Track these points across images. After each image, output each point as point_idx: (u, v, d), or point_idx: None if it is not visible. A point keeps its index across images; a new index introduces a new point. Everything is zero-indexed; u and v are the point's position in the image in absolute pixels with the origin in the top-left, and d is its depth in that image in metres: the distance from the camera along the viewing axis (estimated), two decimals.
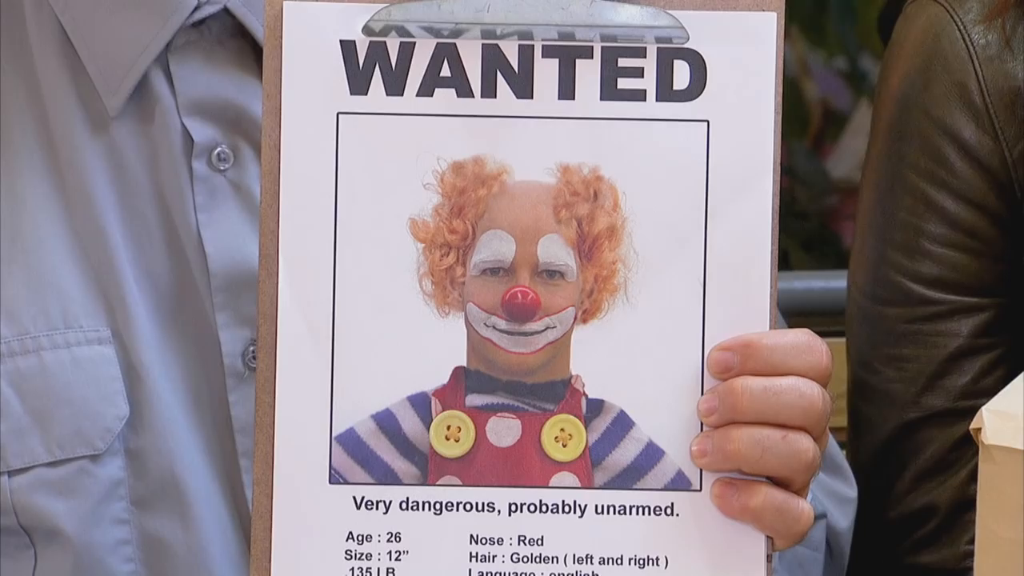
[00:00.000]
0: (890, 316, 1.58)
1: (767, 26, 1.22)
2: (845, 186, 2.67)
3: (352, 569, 1.20)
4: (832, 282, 1.89)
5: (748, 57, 1.23)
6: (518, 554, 1.20)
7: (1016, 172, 1.55)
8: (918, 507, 1.56)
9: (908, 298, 1.57)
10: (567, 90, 1.22)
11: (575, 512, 1.20)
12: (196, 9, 1.36)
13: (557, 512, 1.21)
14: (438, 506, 1.20)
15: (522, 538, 1.20)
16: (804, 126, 2.78)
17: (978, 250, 1.55)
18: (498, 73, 1.22)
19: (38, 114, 1.41)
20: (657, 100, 1.22)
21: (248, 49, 1.39)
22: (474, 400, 1.19)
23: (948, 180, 1.56)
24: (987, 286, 1.55)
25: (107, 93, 1.36)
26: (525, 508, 1.21)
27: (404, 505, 1.20)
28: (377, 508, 1.21)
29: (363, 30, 1.20)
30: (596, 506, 1.20)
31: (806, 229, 1.98)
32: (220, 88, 1.39)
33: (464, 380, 1.20)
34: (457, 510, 1.20)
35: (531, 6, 1.23)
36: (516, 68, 1.22)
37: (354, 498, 1.20)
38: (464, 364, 1.20)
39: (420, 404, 1.19)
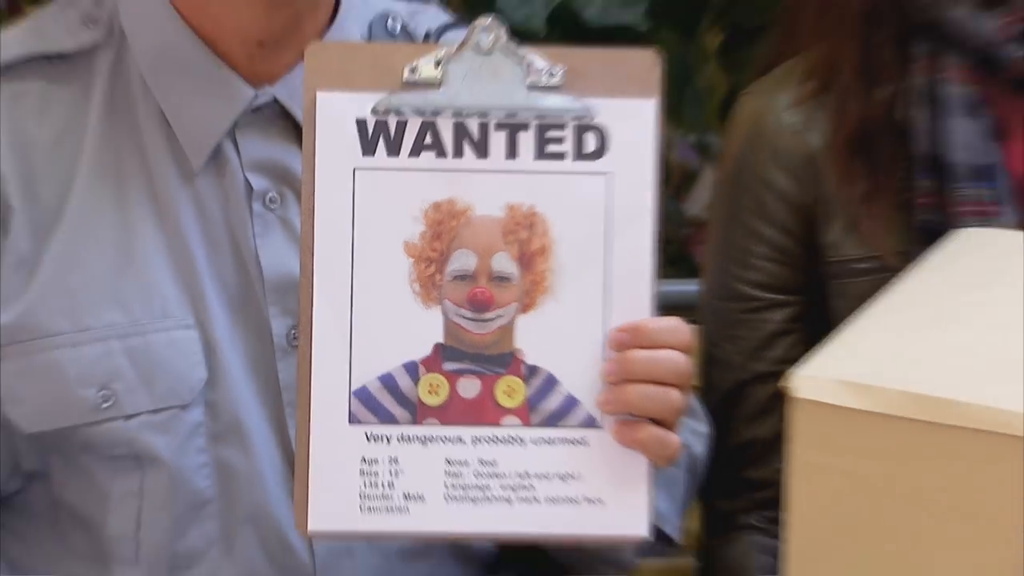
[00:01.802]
0: (728, 309, 1.83)
1: (648, 109, 1.46)
2: (696, 221, 2.97)
3: (364, 483, 1.44)
4: (689, 287, 2.06)
5: (635, 130, 1.48)
6: (479, 472, 1.45)
7: (814, 208, 1.79)
8: (747, 439, 1.80)
9: (740, 296, 1.82)
10: (512, 152, 1.46)
11: (518, 443, 1.46)
12: (254, 99, 1.59)
13: (506, 443, 1.46)
14: (423, 439, 1.44)
15: (481, 460, 1.45)
16: (668, 179, 3.05)
17: (788, 263, 1.78)
18: (464, 141, 1.46)
19: (145, 170, 1.61)
20: (573, 160, 1.47)
21: (291, 125, 1.60)
22: (448, 366, 1.44)
23: (768, 216, 1.80)
24: (793, 288, 1.79)
25: (193, 156, 1.58)
26: (484, 440, 1.46)
27: (400, 439, 1.45)
28: (381, 441, 1.45)
29: (371, 112, 1.43)
30: (532, 439, 1.46)
31: (669, 251, 2.17)
32: (271, 152, 1.60)
33: (442, 352, 1.45)
34: (436, 442, 1.45)
35: (487, 95, 1.46)
36: (476, 137, 1.45)
37: (365, 434, 1.44)
38: (442, 341, 1.44)
39: (411, 369, 1.44)
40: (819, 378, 1.43)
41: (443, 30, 1.72)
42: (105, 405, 1.55)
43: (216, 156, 1.55)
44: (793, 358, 1.51)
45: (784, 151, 1.80)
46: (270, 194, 1.56)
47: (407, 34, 1.72)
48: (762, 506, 1.79)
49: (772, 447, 1.73)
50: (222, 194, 1.54)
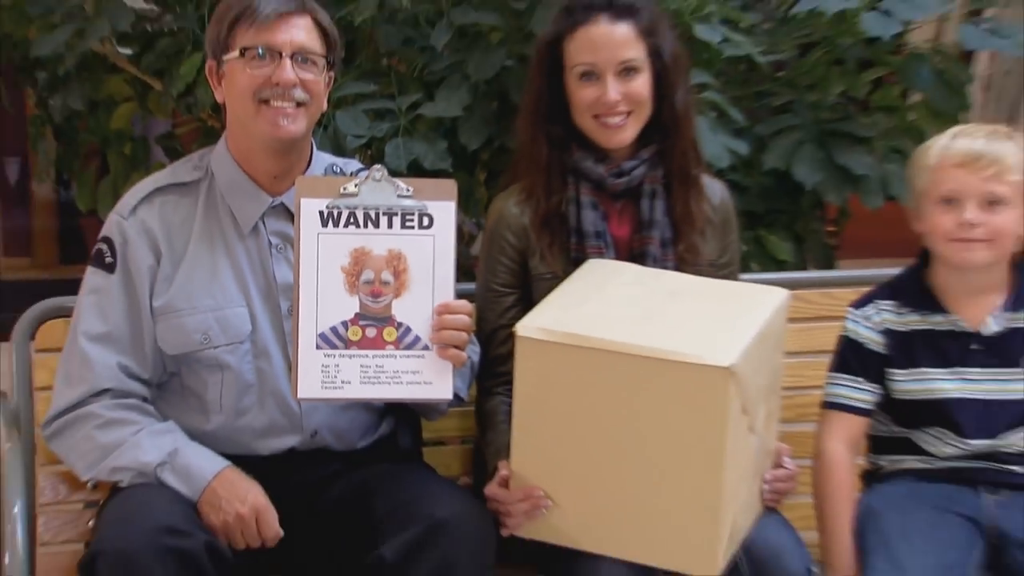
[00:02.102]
0: (487, 296, 2.39)
1: (452, 207, 2.10)
2: (474, 258, 2.92)
3: (323, 375, 2.07)
4: (469, 286, 2.41)
5: (445, 216, 2.11)
6: (375, 370, 2.10)
7: (525, 250, 2.34)
8: (496, 354, 2.37)
9: (492, 290, 2.38)
10: (390, 225, 2.09)
11: (393, 358, 2.10)
12: (272, 202, 2.24)
13: (387, 357, 2.09)
14: (350, 356, 2.09)
15: (376, 365, 2.11)
16: (461, 238, 3.18)
17: (513, 274, 2.37)
18: (368, 221, 2.09)
19: (222, 235, 2.26)
20: (417, 229, 2.10)
21: (289, 214, 2.23)
22: (362, 322, 2.10)
23: (504, 253, 2.37)
24: (515, 286, 2.37)
25: (245, 227, 2.26)
26: (378, 356, 2.09)
27: (339, 355, 2.09)
28: (331, 356, 2.09)
29: (326, 207, 2.08)
30: (400, 355, 2.11)
31: (464, 267, 2.41)
32: (280, 227, 2.26)
33: (358, 317, 2.11)
34: (356, 357, 2.09)
35: (378, 200, 2.09)
36: (373, 219, 2.08)
37: (323, 354, 2.09)
38: (358, 311, 2.10)
39: (344, 324, 2.09)
40: (529, 326, 2.11)
41: (359, 171, 2.32)
42: (204, 341, 2.23)
43: (255, 228, 2.25)
44: (516, 316, 2.21)
45: (511, 224, 2.36)
46: (279, 245, 2.25)
47: (343, 172, 2.34)
48: (504, 383, 2.30)
49: (508, 357, 2.17)
50: (257, 246, 2.25)
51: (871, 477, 2.44)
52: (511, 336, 2.13)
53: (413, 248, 2.08)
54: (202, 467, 2.12)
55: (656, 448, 2.04)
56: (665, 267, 2.33)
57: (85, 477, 2.19)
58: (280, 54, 2.16)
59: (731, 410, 2.03)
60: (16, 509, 2.17)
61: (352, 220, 2.07)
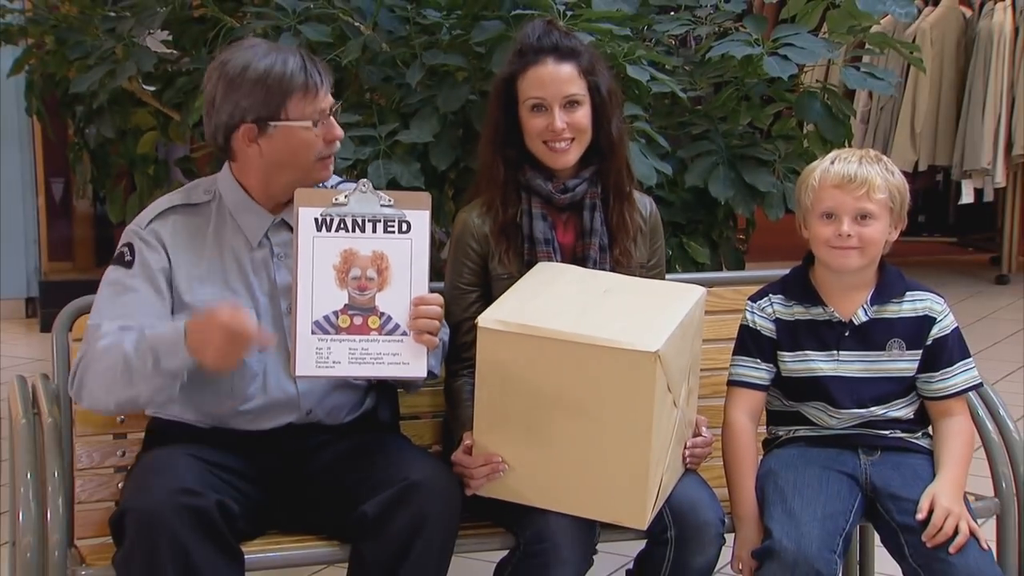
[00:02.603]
0: (453, 293, 2.38)
1: (426, 215, 2.12)
2: (443, 261, 2.72)
3: (316, 357, 2.08)
4: (440, 284, 2.38)
5: (421, 223, 2.11)
6: (362, 352, 2.10)
7: (485, 255, 2.36)
8: (462, 341, 2.35)
9: (458, 288, 2.38)
10: (374, 230, 2.10)
11: (376, 342, 2.10)
12: (274, 219, 2.23)
13: (372, 341, 2.10)
14: (340, 340, 2.09)
15: (362, 348, 2.10)
16: (434, 243, 2.76)
17: (476, 275, 2.38)
18: (355, 226, 2.09)
19: (231, 248, 2.25)
20: (397, 234, 2.11)
21: (289, 228, 2.21)
22: (350, 311, 2.10)
23: (468, 256, 2.38)
24: (478, 285, 2.37)
25: (252, 239, 2.25)
26: (363, 340, 2.10)
27: (331, 339, 2.09)
28: (324, 341, 2.09)
29: (320, 215, 2.09)
30: (382, 340, 2.11)
31: (436, 269, 2.28)
32: (281, 239, 2.25)
33: (347, 307, 2.11)
34: (345, 341, 2.10)
35: (364, 209, 2.10)
36: (360, 225, 2.10)
37: (317, 338, 2.09)
38: (347, 302, 2.10)
39: (335, 313, 2.09)
40: (488, 319, 2.13)
41: (341, 182, 2.34)
42: None
43: (261, 241, 2.25)
44: (478, 310, 2.24)
45: (474, 232, 2.38)
46: (280, 254, 2.25)
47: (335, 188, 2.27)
48: (468, 367, 2.29)
49: (471, 345, 2.21)
50: (263, 255, 2.26)
51: (770, 444, 2.46)
52: (474, 327, 2.15)
53: (394, 250, 2.10)
54: (171, 335, 2.07)
55: (595, 420, 2.05)
56: (603, 269, 2.35)
57: (111, 408, 2.17)
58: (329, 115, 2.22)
59: (657, 388, 2.04)
60: (56, 473, 2.17)
61: (342, 226, 2.09)
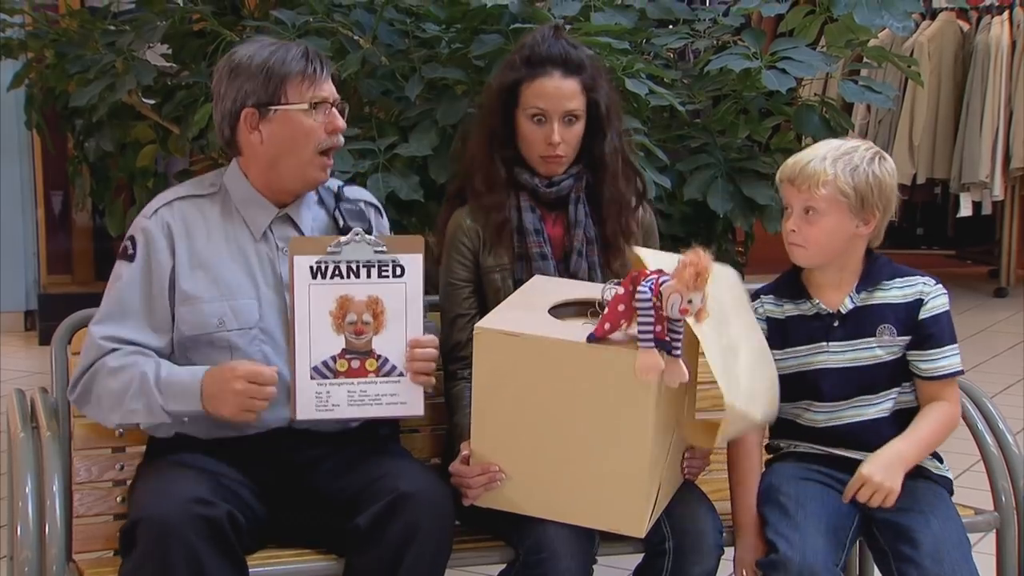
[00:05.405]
0: (448, 290, 2.42)
1: (419, 258, 2.15)
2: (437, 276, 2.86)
3: (316, 400, 2.10)
4: (433, 298, 2.44)
5: (415, 267, 2.14)
6: (360, 394, 2.13)
7: (478, 251, 2.39)
8: (457, 340, 2.38)
9: (452, 285, 2.42)
10: (368, 275, 2.12)
11: (374, 384, 2.13)
12: (278, 212, 2.24)
13: (370, 383, 2.13)
14: (339, 383, 2.11)
15: (361, 390, 2.13)
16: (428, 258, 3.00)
17: (469, 271, 2.41)
18: (350, 272, 2.12)
19: (236, 239, 2.25)
20: (392, 278, 2.13)
21: (292, 222, 2.24)
22: (347, 356, 2.12)
23: (461, 254, 2.41)
24: (471, 280, 2.41)
25: (256, 233, 2.25)
26: (361, 383, 2.13)
27: (330, 383, 2.12)
28: (323, 385, 2.12)
29: (315, 263, 2.10)
30: (379, 382, 2.14)
31: (429, 280, 2.28)
32: (285, 232, 2.25)
33: (344, 351, 2.13)
34: (344, 385, 2.12)
35: (358, 256, 2.12)
36: (355, 271, 2.11)
37: (316, 383, 2.11)
38: (344, 347, 2.13)
39: (333, 358, 2.12)
40: (484, 328, 2.11)
41: (343, 185, 2.38)
42: (219, 325, 2.21)
43: (265, 233, 2.27)
44: (472, 305, 2.35)
45: (466, 231, 2.42)
46: (283, 247, 2.24)
47: (334, 191, 2.34)
48: (465, 366, 2.32)
49: (468, 341, 2.23)
50: (267, 247, 2.27)
51: (772, 456, 2.46)
52: (469, 322, 2.22)
53: (388, 293, 2.12)
54: (188, 382, 2.11)
55: (593, 428, 2.03)
56: (591, 260, 2.38)
57: (110, 425, 2.19)
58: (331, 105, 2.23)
59: (656, 395, 2.02)
60: (55, 487, 2.17)
61: (337, 272, 2.11)
